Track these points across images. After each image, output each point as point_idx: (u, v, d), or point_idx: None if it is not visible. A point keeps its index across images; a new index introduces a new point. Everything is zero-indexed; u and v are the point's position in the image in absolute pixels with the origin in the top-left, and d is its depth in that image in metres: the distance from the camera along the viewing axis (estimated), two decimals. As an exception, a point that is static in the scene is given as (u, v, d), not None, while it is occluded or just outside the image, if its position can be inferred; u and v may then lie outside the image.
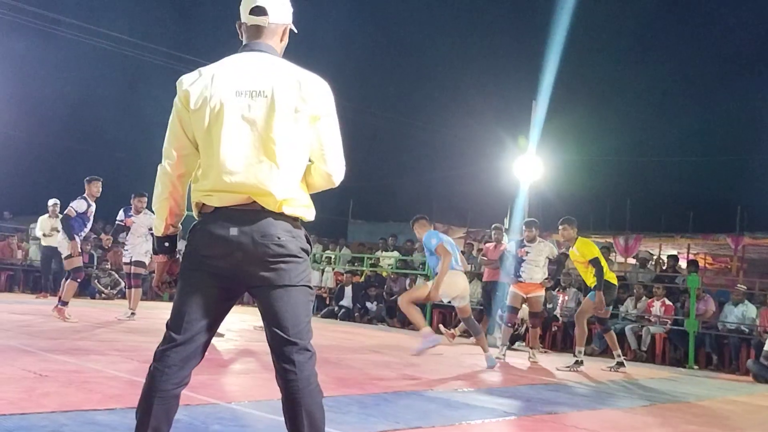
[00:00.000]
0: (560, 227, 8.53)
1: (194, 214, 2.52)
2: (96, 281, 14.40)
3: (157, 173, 2.51)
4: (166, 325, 2.47)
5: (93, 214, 9.63)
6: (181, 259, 2.52)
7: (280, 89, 2.37)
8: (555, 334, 11.85)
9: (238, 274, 2.40)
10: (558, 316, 11.87)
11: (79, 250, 9.49)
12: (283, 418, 2.40)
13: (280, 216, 2.39)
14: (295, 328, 2.41)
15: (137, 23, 24.50)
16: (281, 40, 2.57)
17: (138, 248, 9.82)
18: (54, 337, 6.92)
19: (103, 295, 14.34)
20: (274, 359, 2.43)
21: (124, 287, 14.21)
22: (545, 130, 16.18)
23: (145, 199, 9.85)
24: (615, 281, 8.62)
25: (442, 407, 4.98)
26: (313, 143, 2.45)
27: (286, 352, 2.39)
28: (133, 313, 9.71)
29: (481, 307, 11.67)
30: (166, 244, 2.57)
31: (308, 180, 2.49)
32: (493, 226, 12.22)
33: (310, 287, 2.49)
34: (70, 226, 9.30)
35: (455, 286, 7.48)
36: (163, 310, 12.02)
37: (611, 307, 9.07)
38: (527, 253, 8.88)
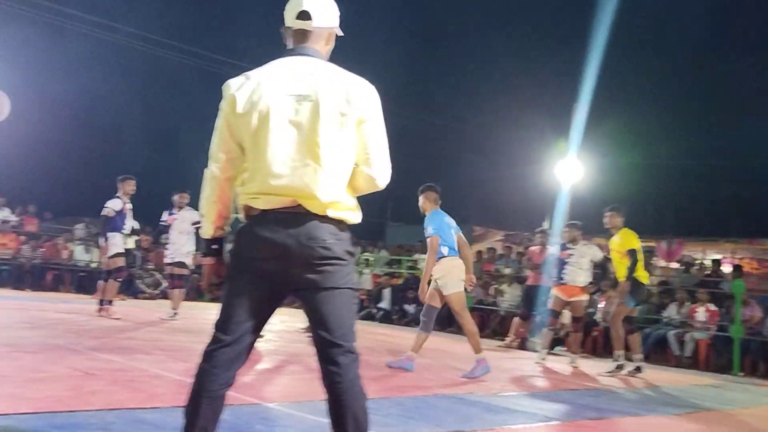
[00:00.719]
0: (607, 214, 8.34)
1: (241, 217, 2.55)
2: (139, 281, 14.66)
3: (204, 176, 2.55)
4: (214, 325, 2.50)
5: (131, 211, 9.77)
6: (228, 262, 2.55)
7: (325, 93, 2.39)
8: (595, 339, 11.70)
9: (283, 277, 2.42)
10: (598, 320, 11.72)
11: (118, 249, 9.56)
12: (324, 420, 2.41)
13: (326, 219, 2.40)
14: (339, 331, 2.42)
15: (173, 24, 24.81)
16: (327, 44, 2.59)
17: (180, 249, 9.95)
18: (99, 336, 7.05)
19: (145, 295, 14.60)
20: (320, 361, 2.45)
21: (166, 287, 14.51)
22: (586, 133, 16.02)
23: (187, 196, 10.03)
24: (646, 280, 8.45)
25: (482, 411, 4.96)
26: (358, 147, 2.46)
27: (331, 355, 2.41)
28: (175, 313, 9.85)
29: (518, 311, 11.59)
30: (214, 246, 2.60)
31: (353, 183, 2.50)
32: (538, 229, 12.17)
33: (354, 290, 2.51)
34: (109, 226, 9.47)
35: (460, 271, 6.83)
36: (204, 310, 12.19)
37: (638, 306, 8.88)
38: (570, 255, 8.79)
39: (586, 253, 8.83)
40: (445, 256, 6.76)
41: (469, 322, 6.82)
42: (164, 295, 14.36)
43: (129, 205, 9.71)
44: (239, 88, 2.43)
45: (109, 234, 9.53)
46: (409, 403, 4.92)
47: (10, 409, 3.52)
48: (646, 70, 26.93)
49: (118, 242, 9.56)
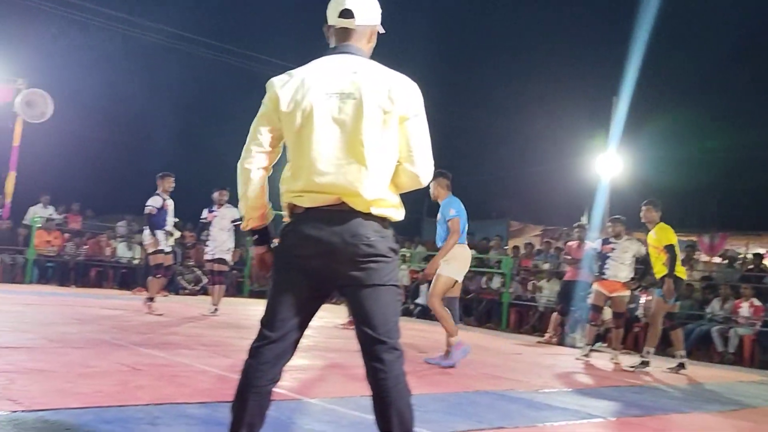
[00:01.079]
0: (643, 208, 8.23)
1: (285, 214, 2.57)
2: (179, 278, 14.88)
3: (238, 170, 2.57)
4: (260, 322, 2.53)
5: (171, 207, 9.89)
6: (273, 259, 2.57)
7: (369, 91, 2.40)
8: (637, 335, 11.55)
9: (328, 274, 2.44)
10: (640, 316, 11.57)
11: (160, 246, 9.70)
12: (366, 416, 2.45)
13: (369, 216, 2.42)
14: (383, 327, 2.44)
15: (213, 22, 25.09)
16: (369, 42, 2.61)
17: (221, 245, 10.09)
18: (143, 332, 7.17)
19: (186, 291, 14.82)
20: (364, 358, 2.47)
21: (206, 284, 14.71)
22: (627, 126, 15.80)
23: (227, 193, 10.16)
24: (683, 276, 8.29)
25: (524, 408, 4.93)
26: (401, 144, 2.47)
27: (375, 351, 2.43)
28: (216, 309, 9.98)
29: (555, 306, 11.52)
30: (256, 236, 2.63)
31: (396, 181, 2.51)
32: (576, 224, 12.07)
33: (398, 287, 2.53)
34: (153, 223, 9.64)
35: (466, 262, 6.95)
36: (244, 306, 12.33)
37: (679, 302, 8.73)
38: (613, 249, 8.69)
39: (629, 248, 8.70)
40: (463, 243, 6.83)
41: (440, 306, 6.76)
42: (204, 292, 14.56)
43: (169, 202, 9.84)
44: (283, 86, 2.46)
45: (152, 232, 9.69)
46: (450, 399, 4.92)
47: (62, 404, 3.61)
48: (688, 62, 26.40)
49: (159, 239, 9.69)
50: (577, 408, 5.12)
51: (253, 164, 2.51)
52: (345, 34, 2.54)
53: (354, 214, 2.40)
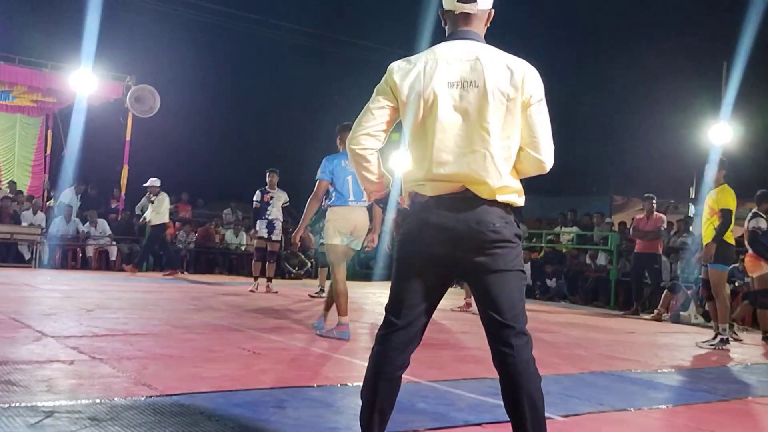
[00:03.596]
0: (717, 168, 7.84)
1: (405, 203, 2.58)
2: (285, 262, 15.29)
3: (350, 155, 2.59)
4: (386, 309, 2.57)
5: (277, 198, 10.97)
6: (397, 246, 2.60)
7: (491, 78, 2.38)
8: (754, 310, 11.01)
9: (453, 261, 2.45)
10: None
11: (260, 234, 10.97)
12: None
13: (494, 203, 2.41)
14: (511, 312, 2.43)
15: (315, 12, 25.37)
16: (486, 25, 2.57)
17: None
18: (258, 317, 7.41)
19: (291, 275, 15.21)
20: (491, 343, 2.47)
21: (310, 267, 15.16)
22: (740, 94, 14.97)
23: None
24: (732, 241, 7.72)
25: (645, 389, 4.81)
26: (524, 130, 2.44)
27: (503, 336, 2.42)
28: (321, 290, 10.40)
29: (628, 279, 11.38)
30: (381, 205, 2.70)
31: (519, 166, 2.48)
32: (645, 195, 11.75)
33: (523, 271, 2.51)
34: (255, 214, 11.00)
35: (345, 222, 6.07)
36: (353, 289, 12.52)
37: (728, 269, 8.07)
38: None
39: None
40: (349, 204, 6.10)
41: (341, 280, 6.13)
42: (309, 275, 14.95)
43: (275, 194, 10.98)
44: (404, 75, 2.45)
45: (258, 221, 10.99)
46: (566, 381, 4.85)
47: (193, 388, 3.78)
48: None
49: (260, 228, 10.93)
50: (699, 388, 4.95)
51: (362, 146, 2.52)
52: (465, 19, 2.51)
53: (479, 201, 2.39)
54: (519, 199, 2.49)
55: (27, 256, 13.78)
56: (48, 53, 16.18)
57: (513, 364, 2.40)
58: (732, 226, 7.58)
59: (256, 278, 11.08)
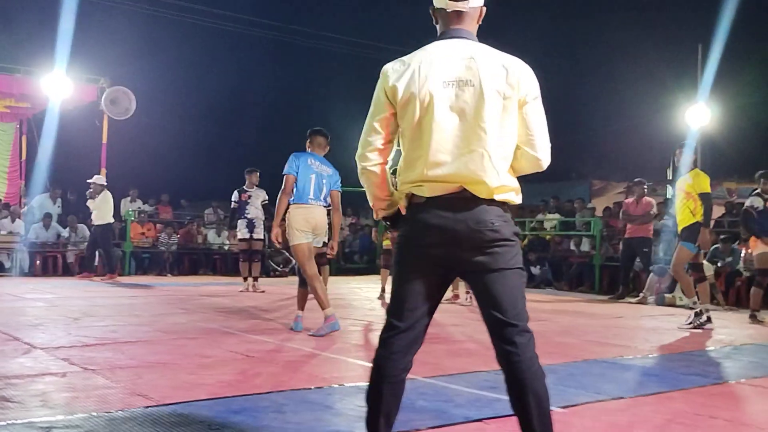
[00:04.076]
0: (677, 150, 7.98)
1: (402, 204, 2.57)
2: (269, 260, 15.22)
3: (358, 168, 2.58)
4: (387, 312, 2.56)
5: (255, 198, 11.05)
6: (395, 249, 2.59)
7: (487, 77, 2.37)
8: (739, 290, 11.17)
9: (453, 261, 2.44)
10: (741, 270, 11.18)
11: (241, 235, 11.11)
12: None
13: (492, 202, 2.40)
14: (513, 310, 2.42)
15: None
16: (477, 23, 2.56)
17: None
18: (247, 318, 7.38)
19: (276, 273, 15.16)
20: (494, 341, 2.46)
21: (295, 264, 15.02)
22: (717, 74, 15.09)
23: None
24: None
25: (638, 375, 4.86)
26: (520, 128, 2.44)
27: (506, 335, 2.41)
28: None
29: (612, 264, 11.49)
30: (388, 222, 2.67)
31: (516, 165, 2.48)
32: (635, 180, 11.85)
33: (522, 269, 2.50)
34: (234, 214, 11.21)
35: (305, 221, 6.19)
36: (337, 284, 12.54)
37: (700, 252, 8.03)
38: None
39: None
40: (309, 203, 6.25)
41: (312, 275, 6.31)
42: (293, 272, 14.88)
43: (253, 193, 11.06)
44: (398, 78, 2.43)
45: (238, 222, 11.11)
46: (560, 371, 4.87)
47: (190, 396, 3.75)
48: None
49: (240, 228, 11.07)
50: (693, 372, 4.99)
51: (371, 162, 2.52)
52: (457, 17, 2.50)
53: (477, 201, 2.39)
54: (516, 198, 2.49)
55: (7, 264, 13.61)
56: (20, 58, 15.99)
57: (517, 362, 2.40)
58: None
59: (245, 278, 11.15)
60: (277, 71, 25.41)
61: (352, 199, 18.66)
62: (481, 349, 5.80)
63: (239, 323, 6.92)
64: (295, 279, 6.89)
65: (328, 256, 6.51)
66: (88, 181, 13.11)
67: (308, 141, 6.47)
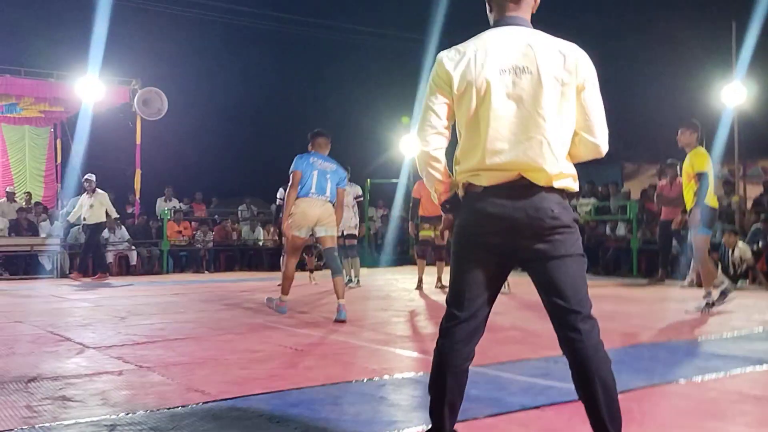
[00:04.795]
0: (679, 130, 7.57)
1: (459, 193, 2.57)
2: (305, 254, 15.29)
3: (417, 156, 2.58)
4: (447, 302, 2.56)
5: None
6: (454, 238, 2.58)
7: (544, 64, 2.35)
8: None
9: (513, 249, 2.43)
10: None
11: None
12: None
13: (551, 189, 2.38)
14: (575, 297, 2.41)
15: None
16: (533, 10, 2.54)
17: (348, 222, 10.60)
18: (289, 312, 7.41)
19: (312, 267, 15.21)
20: (557, 329, 2.45)
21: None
22: (754, 52, 14.76)
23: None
24: (715, 205, 7.55)
25: (689, 357, 4.81)
26: (578, 114, 2.42)
27: (570, 322, 2.40)
28: (350, 280, 10.80)
29: (649, 247, 11.33)
30: (447, 206, 2.64)
31: (574, 151, 2.46)
32: (668, 161, 11.62)
33: (583, 255, 2.48)
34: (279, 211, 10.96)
35: (304, 214, 6.78)
36: (376, 275, 12.57)
37: (711, 233, 7.85)
38: None
39: None
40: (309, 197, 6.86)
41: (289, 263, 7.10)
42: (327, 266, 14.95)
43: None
44: (455, 67, 2.42)
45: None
46: (611, 356, 4.81)
47: (246, 391, 3.79)
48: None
49: None
50: (744, 353, 4.93)
51: (431, 146, 2.51)
52: (514, 4, 2.48)
53: (536, 188, 2.37)
54: (574, 184, 2.47)
55: (48, 267, 13.85)
56: (53, 62, 16.23)
57: (582, 349, 2.39)
58: (712, 188, 7.42)
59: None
60: (309, 70, 25.45)
61: (384, 191, 18.72)
62: (528, 336, 5.79)
63: (282, 317, 6.96)
64: (328, 272, 7.15)
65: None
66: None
67: (310, 143, 7.09)
